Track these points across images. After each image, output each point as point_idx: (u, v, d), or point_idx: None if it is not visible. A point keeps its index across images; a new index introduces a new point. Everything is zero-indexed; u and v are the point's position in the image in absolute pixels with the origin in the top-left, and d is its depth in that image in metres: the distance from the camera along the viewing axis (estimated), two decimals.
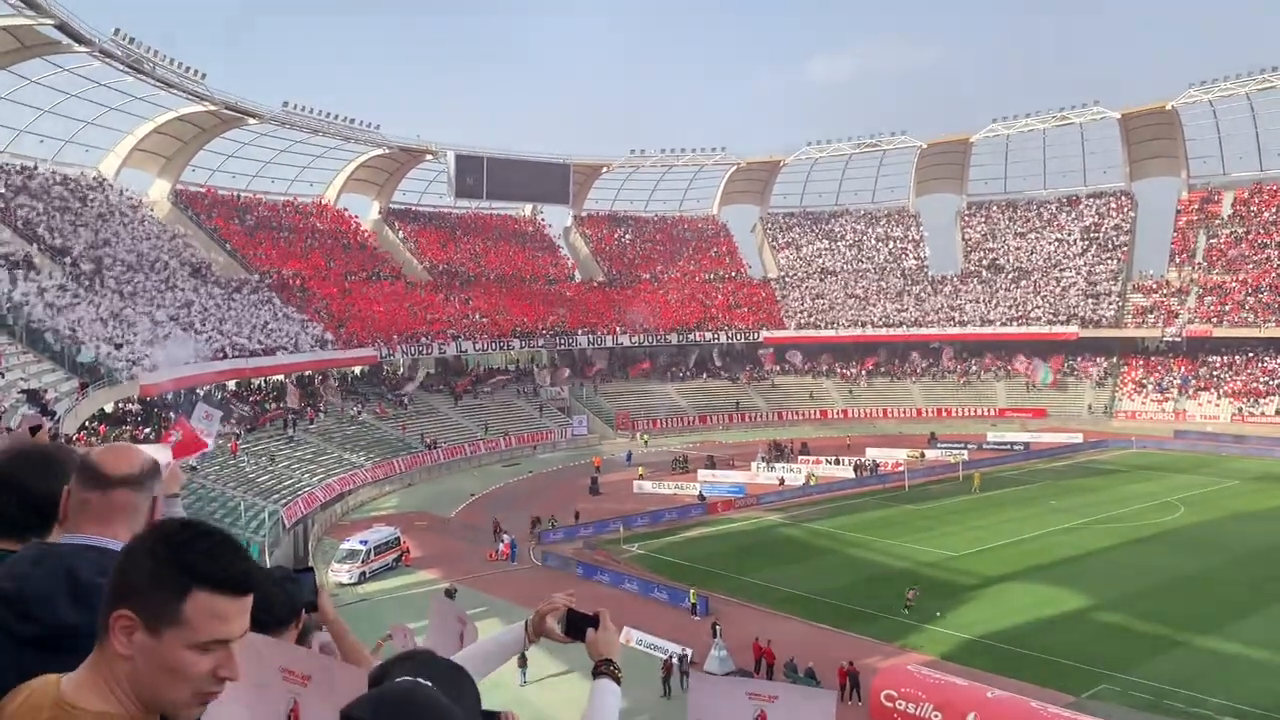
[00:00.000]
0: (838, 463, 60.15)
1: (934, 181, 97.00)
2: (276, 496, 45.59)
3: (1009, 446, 66.19)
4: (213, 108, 65.13)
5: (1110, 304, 79.42)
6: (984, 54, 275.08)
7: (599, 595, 35.42)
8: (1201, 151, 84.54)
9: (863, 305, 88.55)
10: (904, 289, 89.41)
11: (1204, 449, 63.13)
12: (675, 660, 26.98)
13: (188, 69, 60.03)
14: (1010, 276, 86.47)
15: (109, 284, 52.19)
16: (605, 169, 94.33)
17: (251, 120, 68.95)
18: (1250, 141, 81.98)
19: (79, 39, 51.32)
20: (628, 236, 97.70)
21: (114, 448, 2.55)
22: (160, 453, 4.13)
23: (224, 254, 68.66)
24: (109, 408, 43.60)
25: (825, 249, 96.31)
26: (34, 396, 30.82)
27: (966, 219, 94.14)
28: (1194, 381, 73.58)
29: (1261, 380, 70.99)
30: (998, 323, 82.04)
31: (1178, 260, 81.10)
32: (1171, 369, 75.71)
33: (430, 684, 1.90)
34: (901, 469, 57.38)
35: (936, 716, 21.76)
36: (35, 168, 59.30)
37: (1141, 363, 77.66)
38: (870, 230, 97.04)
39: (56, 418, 30.32)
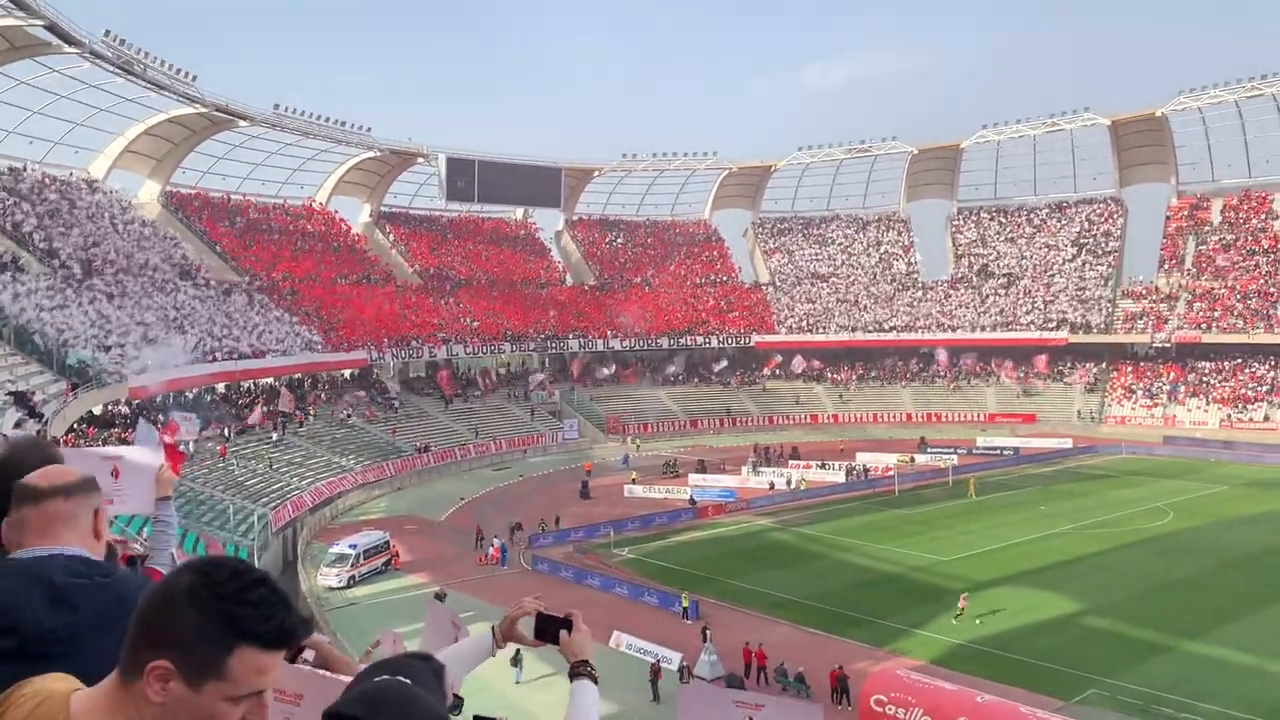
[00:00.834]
0: (822, 466, 60.30)
1: (925, 187, 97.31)
2: (265, 500, 45.46)
3: (999, 451, 66.35)
4: (203, 110, 64.96)
5: (1100, 310, 79.74)
6: (975, 61, 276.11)
7: (589, 599, 35.36)
8: (1191, 158, 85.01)
9: (853, 310, 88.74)
10: (895, 294, 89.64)
11: (1193, 455, 63.40)
12: (676, 669, 26.84)
13: (178, 71, 59.86)
14: (1000, 282, 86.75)
15: (98, 286, 51.98)
16: (597, 173, 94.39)
17: (242, 122, 68.77)
18: (1239, 149, 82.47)
19: (69, 40, 51.15)
20: (619, 240, 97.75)
21: (46, 469, 2.55)
22: (152, 456, 4.11)
23: (214, 256, 68.46)
24: (97, 410, 43.42)
25: (816, 254, 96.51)
26: (22, 398, 30.66)
27: (957, 225, 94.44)
28: (1183, 387, 73.86)
29: (1250, 386, 71.29)
30: (988, 328, 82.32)
31: (1167, 266, 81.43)
32: (1161, 375, 76.00)
33: (409, 681, 1.90)
34: (892, 474, 57.49)
35: None
36: (24, 169, 59.05)
37: (1131, 368, 77.96)
38: (861, 235, 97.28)
39: (44, 420, 30.17)
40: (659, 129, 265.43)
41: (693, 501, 51.73)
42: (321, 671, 2.69)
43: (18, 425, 23.44)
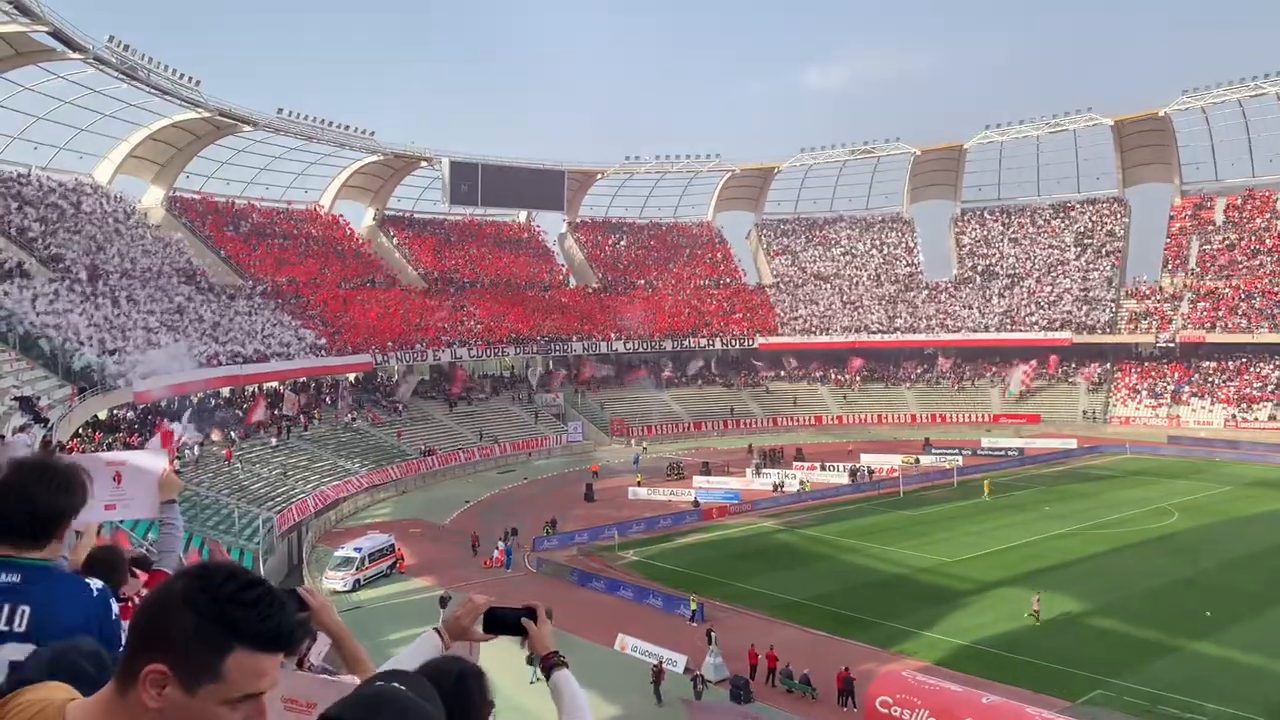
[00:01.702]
0: (822, 468, 60.31)
1: (928, 188, 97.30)
2: (270, 504, 45.51)
3: (1003, 452, 66.27)
4: (207, 114, 65.07)
5: (1104, 310, 79.67)
6: (978, 62, 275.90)
7: (594, 602, 35.42)
8: (1194, 158, 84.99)
9: (857, 311, 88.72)
10: (898, 295, 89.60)
11: (1198, 454, 63.27)
12: (683, 671, 26.77)
13: (182, 76, 59.96)
14: (1004, 283, 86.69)
15: (103, 291, 52.09)
16: (600, 176, 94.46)
17: (246, 127, 68.91)
18: (1243, 148, 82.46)
19: (73, 46, 51.27)
20: (622, 243, 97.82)
21: None
22: (158, 459, 4.15)
23: (218, 261, 68.58)
24: (103, 414, 43.52)
25: (820, 255, 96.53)
26: (27, 403, 30.71)
27: (960, 225, 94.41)
28: (1188, 387, 73.78)
29: (1255, 386, 71.20)
30: (992, 329, 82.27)
31: (1171, 266, 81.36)
32: (1165, 375, 75.92)
33: (403, 687, 1.92)
34: (897, 475, 57.43)
35: None
36: (29, 174, 59.19)
37: (1135, 368, 77.87)
38: (864, 236, 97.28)
39: (50, 425, 30.23)
40: (661, 131, 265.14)
41: (697, 504, 51.72)
42: (339, 678, 2.72)
43: (22, 430, 23.48)
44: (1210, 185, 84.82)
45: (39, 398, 33.60)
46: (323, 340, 64.94)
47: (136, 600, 3.81)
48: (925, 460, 62.94)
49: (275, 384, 61.44)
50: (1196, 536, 42.37)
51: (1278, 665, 27.17)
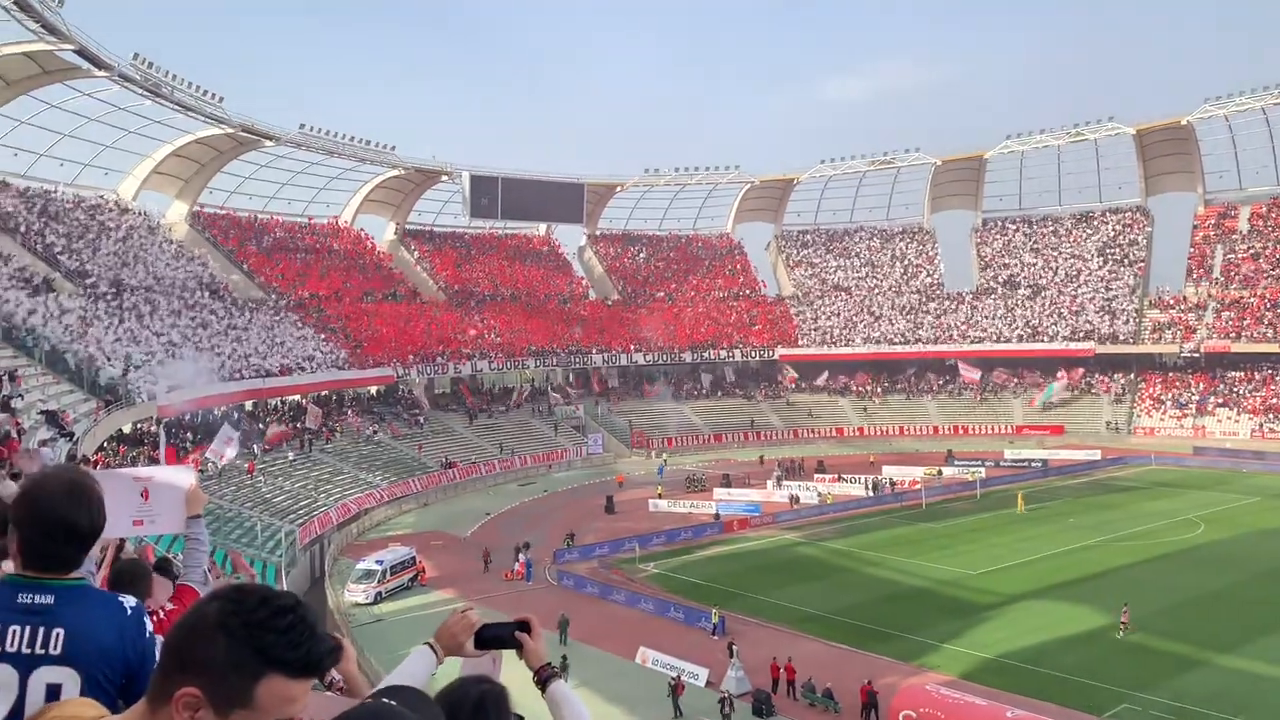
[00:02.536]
0: (840, 479, 60.04)
1: (949, 198, 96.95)
2: (293, 516, 45.72)
3: (1027, 464, 65.77)
4: (230, 130, 65.68)
5: (1127, 320, 79.05)
6: (998, 72, 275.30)
7: (615, 615, 35.39)
8: (1217, 167, 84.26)
9: (878, 322, 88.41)
10: (919, 306, 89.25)
11: (1224, 465, 62.57)
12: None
13: (205, 92, 60.54)
14: (1026, 293, 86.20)
15: (127, 305, 52.60)
16: (619, 188, 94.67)
17: (268, 142, 69.51)
18: (1267, 156, 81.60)
19: (98, 63, 51.90)
20: (641, 255, 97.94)
21: None
22: (184, 475, 4.18)
23: (241, 275, 69.15)
24: (127, 428, 43.88)
25: (840, 266, 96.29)
26: (53, 417, 30.97)
27: (982, 235, 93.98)
28: (1213, 398, 73.05)
29: None
30: (1014, 339, 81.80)
31: (1195, 276, 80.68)
32: (1190, 385, 75.20)
33: (394, 703, 1.92)
34: (919, 487, 57.09)
35: None
36: (55, 191, 59.89)
37: (1159, 379, 77.17)
38: (885, 247, 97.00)
39: (75, 439, 30.49)
40: (680, 144, 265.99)
41: (718, 516, 51.58)
42: (342, 696, 2.71)
43: (46, 444, 23.70)
44: (1234, 194, 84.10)
45: (65, 412, 33.90)
46: (344, 353, 65.32)
47: (163, 612, 3.83)
48: (948, 472, 62.56)
49: (297, 397, 61.77)
50: (1224, 548, 41.87)
51: None
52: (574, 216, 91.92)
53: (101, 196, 63.62)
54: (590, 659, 30.30)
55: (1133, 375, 78.19)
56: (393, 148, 76.69)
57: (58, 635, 2.39)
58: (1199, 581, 36.86)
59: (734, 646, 29.30)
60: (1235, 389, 73.03)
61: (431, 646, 2.87)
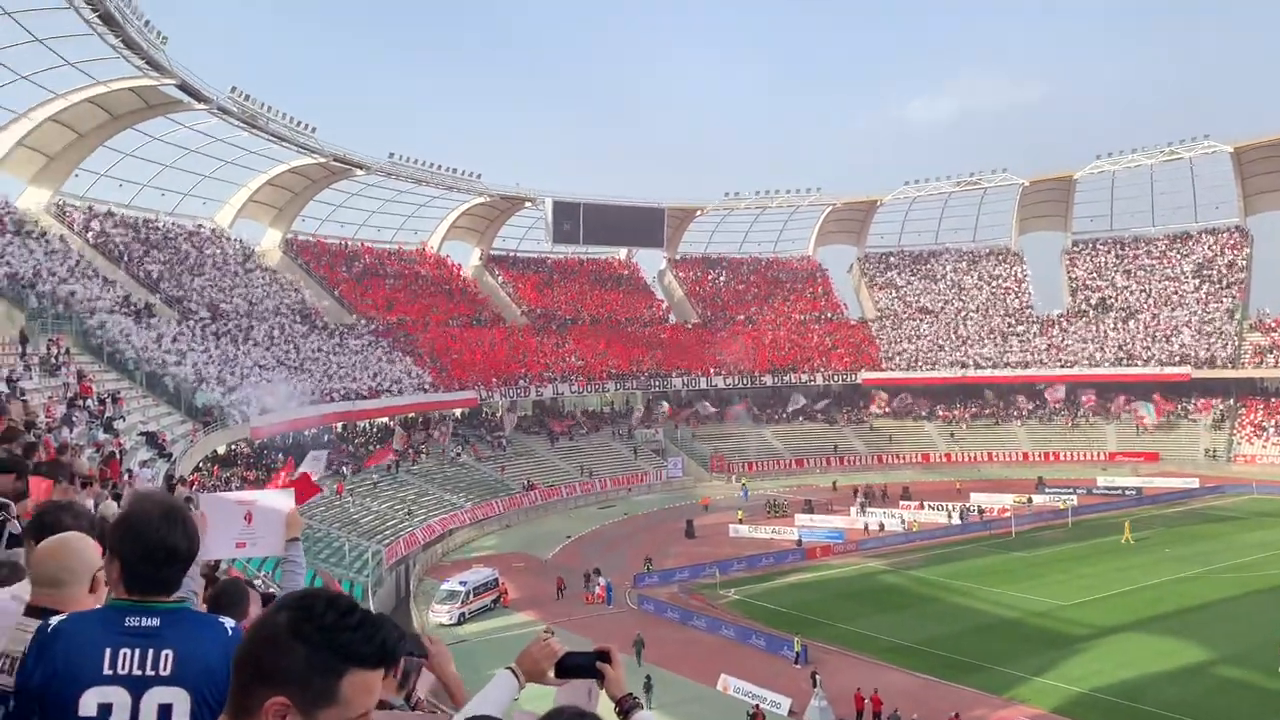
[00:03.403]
0: (921, 506, 58.99)
1: (1037, 219, 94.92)
2: (379, 537, 46.56)
3: (1120, 491, 63.76)
4: (322, 160, 67.54)
5: (1225, 344, 76.21)
6: (1086, 91, 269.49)
7: (695, 640, 35.20)
8: None
9: (964, 346, 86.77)
10: (1008, 329, 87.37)
11: None
12: (786, 714, 26.33)
13: (299, 123, 62.37)
14: (1119, 316, 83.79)
15: (223, 330, 54.35)
16: (699, 212, 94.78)
17: (359, 171, 71.29)
18: None
19: (198, 97, 53.95)
20: (722, 278, 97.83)
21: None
22: (283, 500, 4.32)
23: (332, 300, 70.95)
24: (221, 449, 45.21)
25: (925, 289, 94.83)
26: (152, 438, 32.12)
27: (1072, 257, 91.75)
28: None
29: None
30: (1106, 364, 79.48)
31: None
32: None
33: None
34: (1008, 515, 55.71)
35: None
36: (156, 220, 62.30)
37: (1261, 405, 74.15)
38: (971, 269, 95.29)
39: (173, 459, 31.56)
40: (761, 166, 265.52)
41: (800, 542, 51.02)
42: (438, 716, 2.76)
43: (146, 464, 24.60)
44: None
45: (163, 433, 35.13)
46: (430, 377, 66.49)
47: None
48: (1038, 500, 60.93)
49: (385, 419, 62.98)
50: None
51: None
52: (654, 241, 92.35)
53: (200, 225, 65.93)
54: (668, 684, 30.16)
55: (1232, 401, 75.31)
56: (478, 175, 78.08)
57: (167, 656, 2.46)
58: None
59: (817, 676, 28.91)
60: None
61: (513, 671, 2.92)
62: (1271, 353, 73.73)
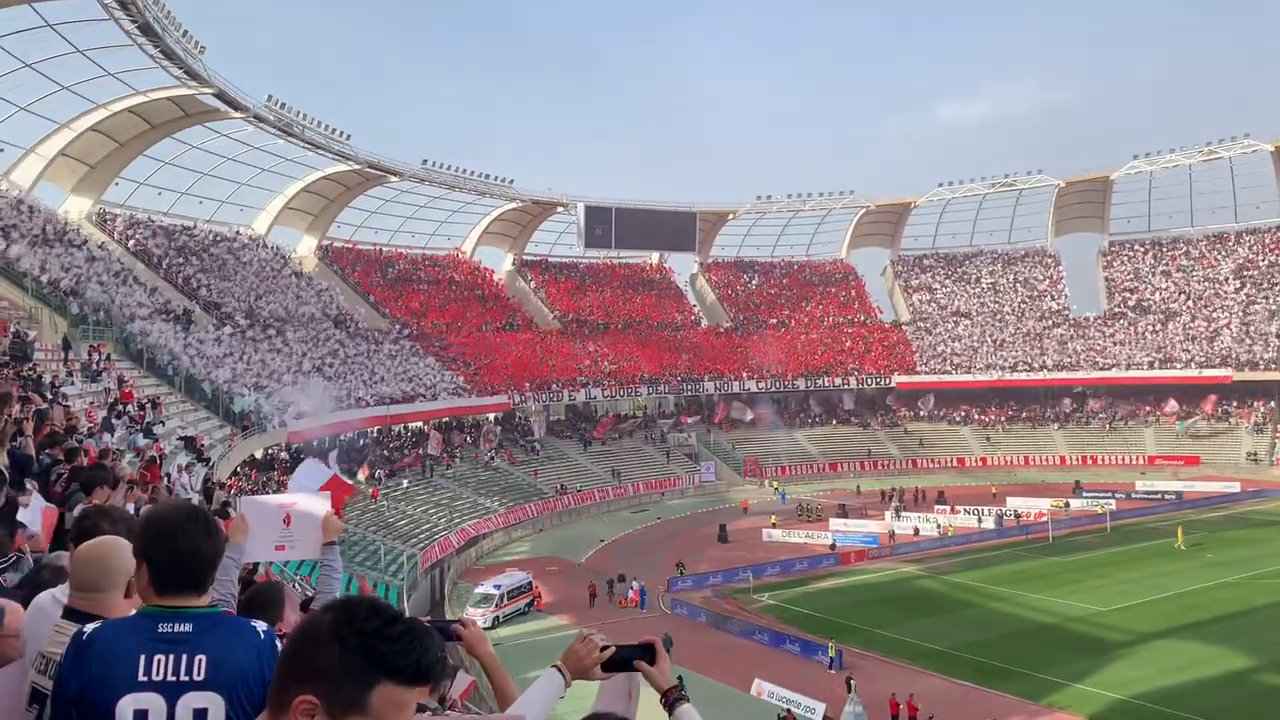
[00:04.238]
0: (953, 510, 58.38)
1: (1073, 220, 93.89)
2: (414, 540, 46.84)
3: (1160, 496, 62.87)
4: (357, 167, 68.15)
5: (1268, 345, 74.92)
6: (1123, 91, 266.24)
7: (729, 645, 35.10)
8: None
9: (1000, 349, 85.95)
10: (1044, 331, 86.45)
11: None
12: None
13: (334, 130, 63.00)
14: (1157, 318, 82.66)
15: (260, 336, 54.93)
16: (731, 216, 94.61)
17: (393, 178, 71.87)
18: None
19: (235, 105, 54.68)
20: (754, 282, 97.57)
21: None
22: (320, 503, 4.35)
23: (366, 306, 71.55)
24: (259, 453, 45.68)
25: (960, 291, 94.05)
26: (191, 443, 32.52)
27: (1109, 258, 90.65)
28: None
29: None
30: (1144, 366, 78.40)
31: None
32: None
33: None
34: (1045, 519, 55.08)
35: None
36: (194, 227, 63.12)
37: None
38: (1007, 271, 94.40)
39: (211, 464, 31.94)
40: (793, 168, 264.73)
41: (834, 547, 50.75)
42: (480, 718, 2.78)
43: (186, 469, 24.93)
44: None
45: (202, 437, 35.56)
46: (463, 381, 66.85)
47: None
48: (1075, 504, 60.21)
49: (420, 424, 63.40)
50: None
51: None
52: (686, 245, 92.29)
53: (237, 232, 66.71)
54: (703, 688, 30.07)
55: (1274, 404, 74.04)
56: (511, 181, 78.44)
57: (200, 662, 2.48)
58: None
59: (852, 681, 28.72)
60: None
61: (559, 669, 2.93)
62: None
